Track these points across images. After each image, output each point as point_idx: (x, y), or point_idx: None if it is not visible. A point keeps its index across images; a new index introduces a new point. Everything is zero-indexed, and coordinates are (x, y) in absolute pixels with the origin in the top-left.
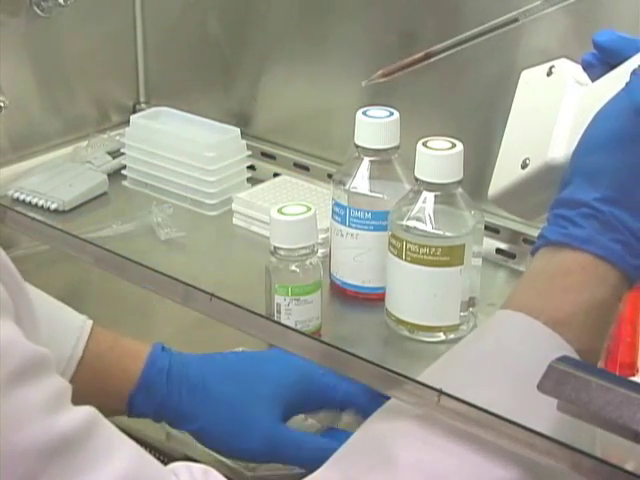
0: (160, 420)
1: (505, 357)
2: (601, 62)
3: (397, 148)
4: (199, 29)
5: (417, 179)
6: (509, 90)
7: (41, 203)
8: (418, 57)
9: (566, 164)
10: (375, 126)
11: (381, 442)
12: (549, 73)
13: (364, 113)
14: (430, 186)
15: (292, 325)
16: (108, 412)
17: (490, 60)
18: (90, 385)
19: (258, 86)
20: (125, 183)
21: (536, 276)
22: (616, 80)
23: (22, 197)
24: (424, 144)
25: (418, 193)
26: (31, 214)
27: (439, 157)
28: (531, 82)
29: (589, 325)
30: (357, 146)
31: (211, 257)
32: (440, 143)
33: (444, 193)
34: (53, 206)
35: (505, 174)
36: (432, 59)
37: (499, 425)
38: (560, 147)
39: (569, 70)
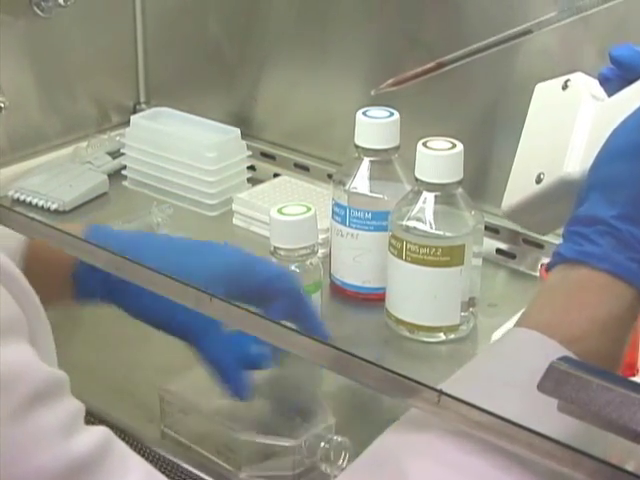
0: (108, 300)
1: (519, 376)
2: (618, 77)
3: (397, 148)
4: (199, 29)
5: (417, 179)
6: (509, 91)
7: (41, 203)
8: (430, 67)
9: (581, 180)
10: (375, 126)
11: (393, 458)
12: (564, 87)
13: (364, 113)
14: (430, 186)
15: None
16: (56, 296)
17: (491, 62)
18: (35, 271)
19: (258, 86)
20: (125, 183)
21: (552, 293)
22: (633, 96)
23: (22, 197)
24: (424, 144)
25: (418, 193)
26: (31, 214)
27: (439, 157)
28: (546, 96)
29: (605, 343)
30: (357, 146)
31: None
32: (440, 143)
33: (444, 193)
34: (53, 206)
35: (519, 188)
36: (444, 69)
37: (499, 426)
38: (576, 162)
39: (585, 84)
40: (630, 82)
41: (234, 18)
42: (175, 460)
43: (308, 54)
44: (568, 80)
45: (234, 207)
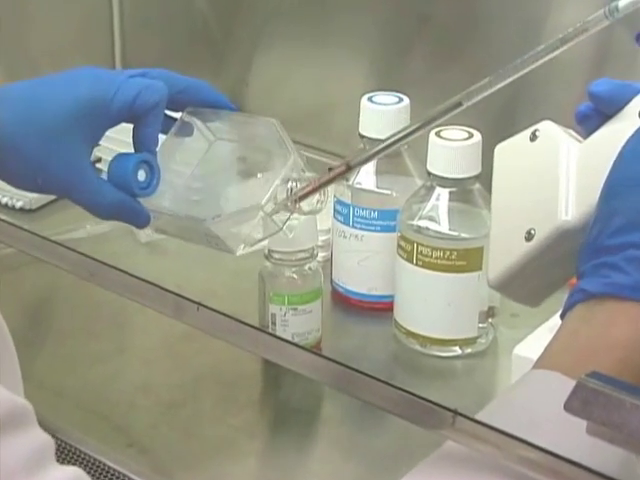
0: None
1: (540, 420)
2: (597, 113)
3: None
4: (183, 3)
5: (430, 173)
6: (533, 72)
7: (5, 201)
8: (337, 172)
9: (580, 226)
10: (382, 114)
11: None
12: (533, 138)
13: (370, 99)
14: (444, 181)
15: (289, 338)
16: None
17: (510, 42)
18: None
19: (250, 68)
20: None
21: (575, 332)
22: (620, 127)
23: None
24: (437, 134)
25: (431, 189)
26: None
27: (454, 149)
28: (511, 153)
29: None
30: (362, 136)
31: (198, 261)
32: (455, 133)
33: (460, 189)
34: (19, 204)
35: (507, 253)
36: (350, 171)
37: (519, 449)
38: (570, 208)
39: (557, 129)
40: (609, 117)
41: None
42: None
43: (306, 32)
44: (536, 130)
45: None
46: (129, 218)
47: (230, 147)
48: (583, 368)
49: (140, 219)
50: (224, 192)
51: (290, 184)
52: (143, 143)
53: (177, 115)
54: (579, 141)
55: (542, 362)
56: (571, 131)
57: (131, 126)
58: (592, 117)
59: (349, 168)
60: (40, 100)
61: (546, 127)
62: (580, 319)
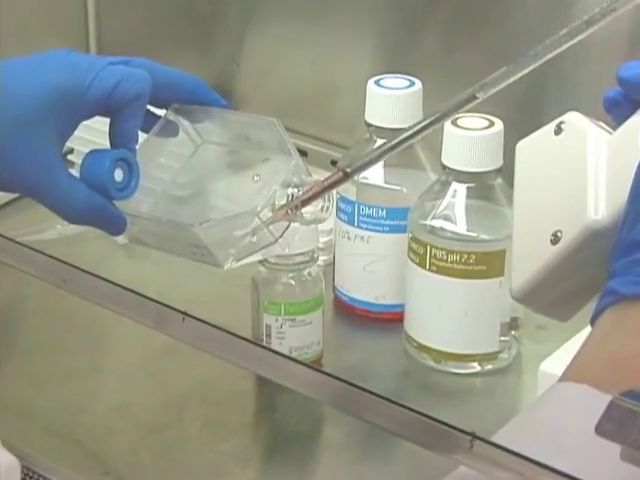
0: None
1: (567, 443)
2: (628, 99)
3: None
4: None
5: (445, 167)
6: (562, 55)
7: None
8: (336, 179)
9: (611, 225)
10: (391, 99)
11: None
12: (558, 131)
13: (377, 83)
14: (461, 176)
15: (286, 352)
16: None
17: (535, 18)
18: None
19: (242, 47)
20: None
21: (605, 339)
22: None
23: None
24: (454, 122)
25: (446, 185)
26: None
27: (473, 139)
28: (534, 150)
29: None
30: (368, 125)
31: (183, 266)
32: (474, 121)
33: (479, 185)
34: None
35: (531, 259)
36: (350, 179)
37: (544, 476)
38: (600, 206)
39: (584, 120)
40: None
41: None
42: None
43: (305, 5)
44: (561, 122)
45: None
46: (103, 223)
47: (220, 151)
48: (614, 380)
49: (116, 225)
50: (213, 196)
51: (290, 190)
52: (121, 139)
53: (161, 112)
54: (609, 133)
55: (569, 373)
56: (601, 123)
57: None
58: (622, 104)
59: (346, 175)
60: (6, 86)
61: (572, 119)
62: (610, 325)
